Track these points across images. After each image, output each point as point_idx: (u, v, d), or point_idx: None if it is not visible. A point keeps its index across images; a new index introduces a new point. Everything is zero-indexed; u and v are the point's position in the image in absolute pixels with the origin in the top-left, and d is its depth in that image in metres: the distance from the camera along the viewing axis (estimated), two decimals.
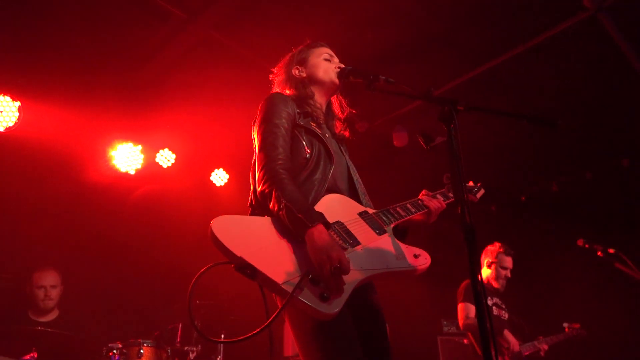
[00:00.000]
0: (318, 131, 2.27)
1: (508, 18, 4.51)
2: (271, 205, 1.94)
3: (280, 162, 2.04)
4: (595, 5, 4.19)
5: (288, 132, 2.17)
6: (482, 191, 2.79)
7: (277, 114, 2.18)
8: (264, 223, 1.93)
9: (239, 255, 1.73)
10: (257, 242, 1.82)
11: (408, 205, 2.32)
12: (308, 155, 2.17)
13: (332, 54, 2.50)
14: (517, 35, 4.69)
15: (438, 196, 2.44)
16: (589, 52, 4.80)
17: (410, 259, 2.07)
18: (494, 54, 4.91)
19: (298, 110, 2.28)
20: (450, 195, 2.47)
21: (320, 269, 1.73)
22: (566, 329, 4.95)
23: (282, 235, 1.88)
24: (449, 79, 5.22)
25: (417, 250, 2.12)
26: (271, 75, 2.57)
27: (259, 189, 2.03)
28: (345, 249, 1.93)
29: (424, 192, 2.45)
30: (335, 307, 1.70)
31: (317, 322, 1.81)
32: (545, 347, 4.77)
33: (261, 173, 2.04)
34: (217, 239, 1.77)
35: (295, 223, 1.84)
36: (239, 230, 1.84)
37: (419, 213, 2.32)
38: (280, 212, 1.88)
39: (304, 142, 2.20)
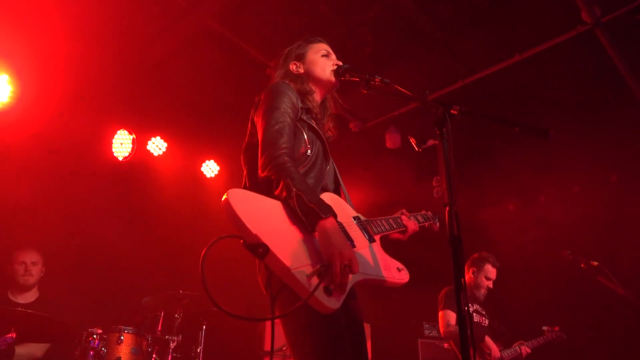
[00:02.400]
0: (319, 130, 2.26)
1: (507, 28, 4.55)
2: (278, 191, 1.89)
3: (285, 150, 1.98)
4: (593, 20, 4.23)
5: (293, 123, 2.13)
6: (437, 224, 2.87)
7: (284, 102, 2.12)
8: (277, 205, 1.87)
9: (254, 232, 1.68)
10: (272, 222, 1.78)
11: (390, 221, 2.40)
12: (309, 152, 2.14)
13: (330, 50, 2.48)
14: (515, 45, 4.72)
15: (411, 219, 2.56)
16: (584, 65, 4.85)
17: (394, 272, 2.15)
18: (491, 62, 4.94)
19: (301, 105, 2.25)
20: (421, 220, 2.66)
21: (330, 264, 1.72)
22: (546, 332, 4.97)
23: (293, 221, 1.84)
24: (445, 84, 5.25)
25: (400, 265, 2.22)
26: (268, 70, 2.55)
27: (262, 174, 1.95)
28: None
29: (403, 211, 2.56)
30: (337, 302, 1.71)
31: (311, 316, 1.79)
32: (528, 350, 4.80)
33: (266, 159, 1.96)
34: (234, 211, 1.70)
35: (307, 213, 1.81)
36: (256, 206, 1.79)
37: (397, 230, 2.43)
38: (290, 200, 1.84)
39: (306, 138, 2.17)
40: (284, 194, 1.86)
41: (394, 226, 2.40)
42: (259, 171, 1.97)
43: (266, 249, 1.65)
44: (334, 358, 1.80)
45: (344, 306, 1.98)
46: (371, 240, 2.16)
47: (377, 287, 2.11)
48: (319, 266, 1.71)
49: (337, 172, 2.40)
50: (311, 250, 1.78)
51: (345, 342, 1.87)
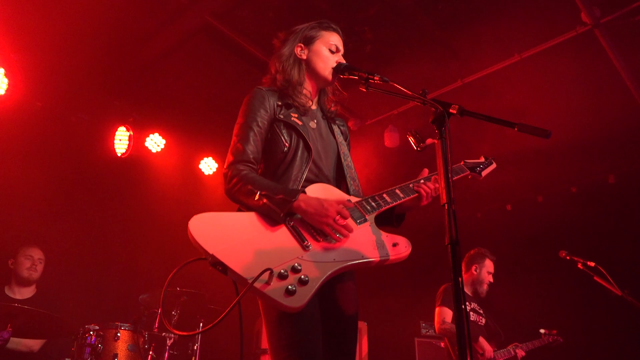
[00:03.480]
0: (298, 123, 2.26)
1: (507, 28, 4.54)
2: (245, 200, 2.01)
3: (245, 163, 2.11)
4: (593, 21, 4.24)
5: (262, 131, 2.21)
6: (492, 166, 2.70)
7: (251, 113, 2.21)
8: (241, 220, 1.98)
9: (210, 252, 1.81)
10: (230, 239, 1.89)
11: (397, 191, 2.25)
12: (286, 149, 2.19)
13: (340, 45, 2.43)
14: (514, 45, 4.72)
15: (430, 180, 2.34)
16: (583, 66, 4.85)
17: (388, 248, 2.07)
18: (490, 61, 4.94)
19: (279, 103, 2.27)
20: (458, 169, 2.48)
21: (320, 224, 1.91)
22: (542, 336, 4.98)
23: (258, 231, 1.94)
24: (444, 83, 5.25)
25: (397, 239, 2.11)
26: (275, 40, 2.51)
27: (225, 187, 2.09)
28: (319, 242, 1.96)
29: (424, 171, 2.40)
30: (300, 300, 1.76)
31: (282, 313, 1.89)
32: (522, 353, 4.80)
33: (227, 172, 2.10)
34: (193, 237, 1.86)
35: (279, 204, 1.92)
36: (214, 227, 1.91)
37: (408, 198, 2.25)
38: (260, 202, 1.95)
39: (283, 137, 2.21)
40: (251, 200, 1.97)
41: (401, 196, 2.23)
42: (224, 184, 2.11)
43: (224, 266, 1.79)
44: (301, 350, 1.87)
45: (326, 296, 2.06)
46: (362, 221, 2.11)
47: (369, 269, 2.06)
48: (266, 271, 1.77)
49: (342, 152, 2.37)
50: (274, 254, 1.87)
51: (315, 336, 1.93)
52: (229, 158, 2.15)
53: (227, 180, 2.09)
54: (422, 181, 2.31)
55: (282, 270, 1.80)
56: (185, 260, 1.98)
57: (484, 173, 2.66)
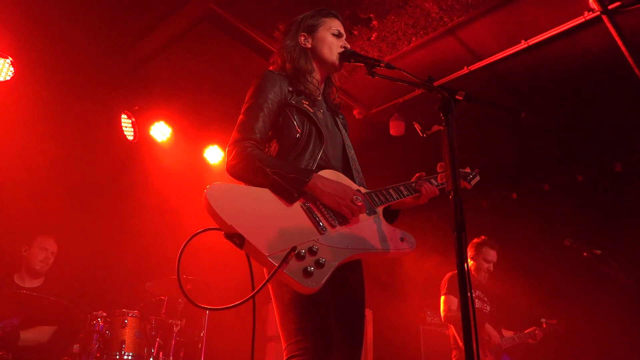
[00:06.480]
0: (310, 110, 2.25)
1: (513, 13, 4.50)
2: (253, 178, 1.97)
3: (252, 141, 2.06)
4: (601, 7, 4.19)
5: (272, 113, 2.17)
6: (477, 178, 2.77)
7: (262, 93, 2.17)
8: (258, 193, 1.94)
9: (229, 223, 1.76)
10: (249, 212, 1.84)
11: (401, 188, 2.32)
12: (298, 135, 2.16)
13: (342, 30, 2.44)
14: (521, 31, 4.68)
15: (432, 181, 2.45)
16: (591, 52, 4.80)
17: (396, 242, 2.10)
18: (497, 48, 4.90)
19: (290, 89, 2.25)
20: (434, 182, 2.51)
21: (337, 205, 1.93)
22: (543, 325, 5.00)
23: (273, 206, 1.90)
24: (450, 70, 5.22)
25: (404, 234, 2.16)
26: (276, 32, 2.50)
27: (228, 163, 2.05)
28: (334, 227, 1.96)
29: (421, 174, 2.47)
30: (317, 282, 1.74)
31: (296, 296, 1.87)
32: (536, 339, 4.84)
33: (231, 149, 2.06)
34: (210, 206, 1.79)
35: (291, 183, 1.90)
36: (233, 198, 1.86)
37: (411, 196, 2.34)
38: (269, 179, 1.91)
39: (295, 122, 2.18)
40: (260, 178, 1.93)
41: (405, 193, 2.31)
42: (228, 161, 2.07)
43: (242, 238, 1.73)
44: (312, 335, 1.85)
45: (337, 283, 2.05)
46: (371, 212, 2.13)
47: (380, 259, 2.08)
48: (290, 250, 1.74)
49: (347, 144, 2.38)
50: (289, 234, 1.83)
51: (328, 322, 1.92)
52: (235, 135, 2.09)
53: (230, 156, 2.04)
54: (424, 180, 2.41)
55: (300, 251, 1.77)
56: (191, 248, 1.98)
57: (472, 183, 2.74)
